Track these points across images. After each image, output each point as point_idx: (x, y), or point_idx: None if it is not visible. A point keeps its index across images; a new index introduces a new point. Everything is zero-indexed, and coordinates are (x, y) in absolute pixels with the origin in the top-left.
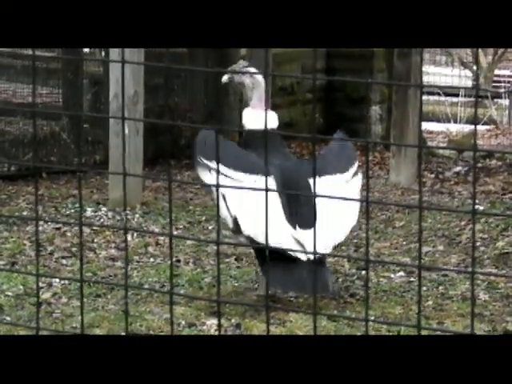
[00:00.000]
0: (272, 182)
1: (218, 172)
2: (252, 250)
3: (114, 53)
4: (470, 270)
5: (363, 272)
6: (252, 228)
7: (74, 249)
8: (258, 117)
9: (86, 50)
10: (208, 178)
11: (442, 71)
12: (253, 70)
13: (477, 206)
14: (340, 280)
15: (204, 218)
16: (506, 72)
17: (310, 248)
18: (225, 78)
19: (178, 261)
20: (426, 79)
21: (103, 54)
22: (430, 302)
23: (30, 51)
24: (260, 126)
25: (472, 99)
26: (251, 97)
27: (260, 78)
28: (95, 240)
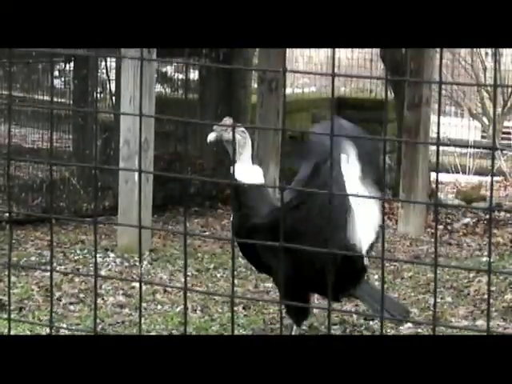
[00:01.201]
0: None
1: None
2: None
3: (126, 100)
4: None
5: (371, 323)
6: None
7: (81, 295)
8: (249, 172)
9: (98, 95)
10: None
11: (451, 122)
12: (241, 127)
13: (485, 258)
14: (348, 330)
15: (212, 266)
16: None
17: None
18: (212, 136)
19: (186, 308)
20: (435, 130)
21: (114, 100)
22: None
23: (41, 97)
24: (253, 181)
25: (481, 150)
26: (242, 152)
27: (247, 134)
28: (103, 286)
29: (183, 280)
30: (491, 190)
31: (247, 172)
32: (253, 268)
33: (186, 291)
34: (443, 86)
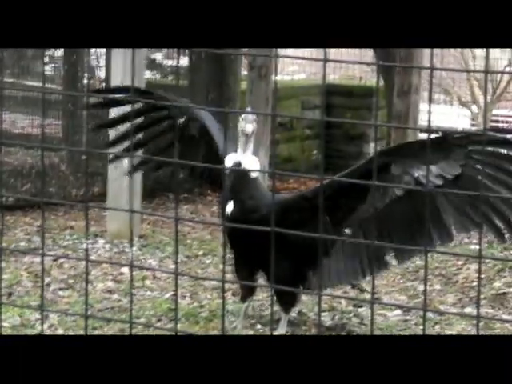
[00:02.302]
0: None
1: None
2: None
3: (115, 85)
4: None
5: (360, 309)
6: None
7: (70, 281)
8: (254, 162)
9: (87, 81)
10: None
11: (441, 109)
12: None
13: (474, 246)
14: (337, 317)
15: (201, 252)
16: (505, 112)
17: None
18: (251, 128)
19: (175, 295)
20: (424, 118)
21: (103, 86)
22: None
23: (30, 82)
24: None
25: None
26: (250, 143)
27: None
28: (93, 272)
29: (173, 266)
30: None
31: (253, 162)
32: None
33: (176, 276)
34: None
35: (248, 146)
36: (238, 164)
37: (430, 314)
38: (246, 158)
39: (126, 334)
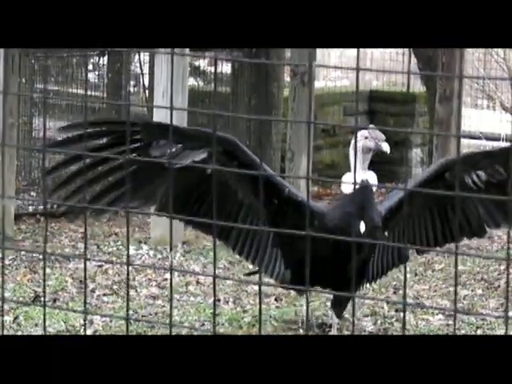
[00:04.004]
0: None
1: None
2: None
3: (159, 93)
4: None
5: (402, 314)
6: None
7: (115, 286)
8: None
9: (130, 89)
10: None
11: (484, 115)
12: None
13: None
14: (379, 322)
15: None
16: None
17: None
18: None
19: (218, 300)
20: (467, 123)
21: (147, 93)
22: None
23: (75, 90)
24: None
25: None
26: (367, 160)
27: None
28: (136, 278)
29: (216, 272)
30: None
31: (373, 178)
32: None
33: (215, 279)
34: (475, 79)
35: (366, 162)
36: (366, 182)
37: (472, 319)
38: (369, 175)
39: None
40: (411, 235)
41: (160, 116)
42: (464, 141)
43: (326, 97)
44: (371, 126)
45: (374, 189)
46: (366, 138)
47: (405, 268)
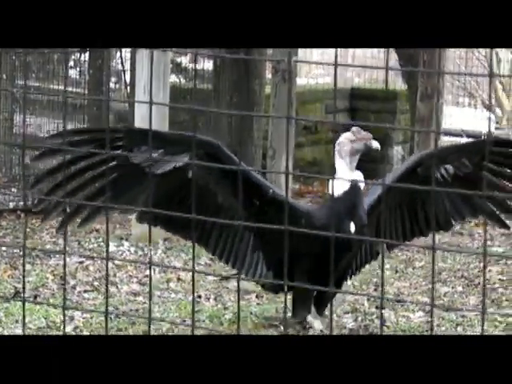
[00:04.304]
0: None
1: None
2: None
3: (140, 90)
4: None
5: (383, 311)
6: None
7: (96, 283)
8: (343, 183)
9: (112, 85)
10: None
11: (465, 112)
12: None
13: (496, 248)
14: (360, 319)
15: None
16: None
17: None
18: (377, 145)
19: (199, 296)
20: (448, 121)
21: (128, 90)
22: None
23: (56, 86)
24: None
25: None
26: (354, 161)
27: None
28: (117, 275)
29: (197, 268)
30: None
31: (361, 178)
32: None
33: (194, 273)
34: (456, 77)
35: (354, 164)
36: (355, 183)
37: (452, 316)
38: (357, 175)
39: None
40: (386, 231)
41: (141, 112)
42: (445, 139)
43: (308, 94)
44: (354, 128)
45: (362, 188)
46: (353, 141)
47: (382, 265)
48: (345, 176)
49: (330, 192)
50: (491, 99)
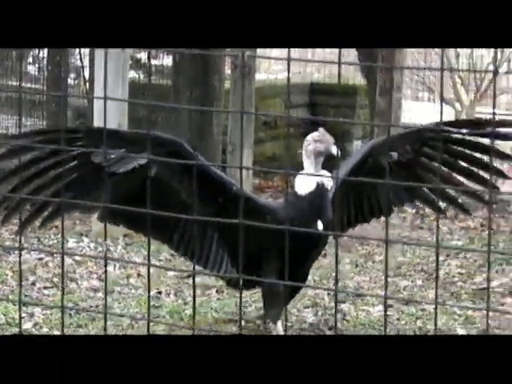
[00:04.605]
0: None
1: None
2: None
3: (98, 86)
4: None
5: (342, 305)
6: None
7: (55, 279)
8: (311, 180)
9: (71, 81)
10: None
11: (424, 107)
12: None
13: (455, 242)
14: (320, 313)
15: None
16: (489, 110)
17: None
18: (336, 151)
19: (160, 292)
20: (407, 115)
21: (87, 86)
22: None
23: (14, 82)
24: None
25: None
26: (319, 161)
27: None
28: (77, 271)
29: (157, 264)
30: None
31: (328, 179)
32: None
33: (149, 267)
34: (415, 72)
35: (319, 164)
36: (322, 184)
37: (412, 309)
38: (324, 176)
39: (110, 332)
40: (337, 220)
41: (100, 108)
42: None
43: (268, 89)
44: (321, 128)
45: (329, 187)
46: (317, 141)
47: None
48: (311, 176)
49: (295, 189)
50: (442, 93)
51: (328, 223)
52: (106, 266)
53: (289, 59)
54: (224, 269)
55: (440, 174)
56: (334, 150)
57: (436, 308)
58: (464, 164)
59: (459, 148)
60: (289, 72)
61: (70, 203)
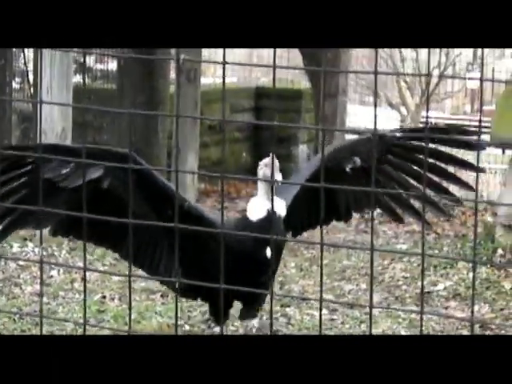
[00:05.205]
0: None
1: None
2: None
3: (43, 90)
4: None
5: (287, 309)
6: None
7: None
8: (262, 207)
9: (16, 85)
10: None
11: (370, 111)
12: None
13: (400, 246)
14: (264, 317)
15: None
16: (434, 113)
17: None
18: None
19: (104, 297)
20: (353, 119)
21: (32, 90)
22: None
23: None
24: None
25: None
26: (267, 189)
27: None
28: (21, 276)
29: (102, 269)
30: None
31: (281, 206)
32: None
33: (85, 271)
34: (362, 76)
35: (273, 192)
36: (272, 212)
37: (356, 313)
38: (276, 204)
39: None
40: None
41: (44, 112)
42: (348, 137)
43: (213, 94)
44: (271, 154)
45: (283, 214)
46: (266, 166)
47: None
48: (261, 201)
49: (246, 214)
50: (376, 97)
51: (279, 250)
52: (41, 269)
53: (224, 63)
54: (174, 277)
55: (410, 181)
56: (278, 176)
57: (371, 312)
58: (428, 173)
59: (422, 156)
60: (224, 75)
61: (20, 219)
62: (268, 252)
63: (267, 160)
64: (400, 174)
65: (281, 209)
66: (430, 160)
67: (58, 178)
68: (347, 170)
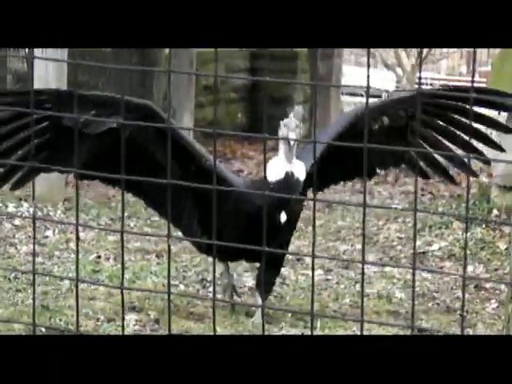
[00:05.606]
0: None
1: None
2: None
3: (38, 49)
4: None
5: (282, 269)
6: None
7: None
8: (281, 168)
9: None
10: None
11: (365, 72)
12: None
13: (395, 206)
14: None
15: (126, 215)
16: (429, 74)
17: None
18: (293, 136)
19: (99, 257)
20: (350, 81)
21: (27, 50)
22: (347, 300)
23: None
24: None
25: None
26: (292, 151)
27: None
28: (16, 235)
29: (96, 229)
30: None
31: (301, 169)
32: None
33: (77, 227)
34: None
35: (293, 153)
36: (291, 174)
37: (351, 273)
38: (296, 167)
39: (49, 296)
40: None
41: (39, 72)
42: (347, 98)
43: (208, 54)
44: (291, 114)
45: (302, 178)
46: (285, 126)
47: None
48: (281, 162)
49: (266, 174)
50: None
51: (294, 216)
52: (34, 226)
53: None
54: (195, 234)
55: (431, 140)
56: (292, 136)
57: (363, 271)
58: (458, 132)
59: (456, 116)
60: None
61: (46, 162)
62: (283, 217)
63: (287, 120)
64: (430, 131)
65: (300, 172)
66: (461, 119)
67: (80, 124)
68: (374, 128)
